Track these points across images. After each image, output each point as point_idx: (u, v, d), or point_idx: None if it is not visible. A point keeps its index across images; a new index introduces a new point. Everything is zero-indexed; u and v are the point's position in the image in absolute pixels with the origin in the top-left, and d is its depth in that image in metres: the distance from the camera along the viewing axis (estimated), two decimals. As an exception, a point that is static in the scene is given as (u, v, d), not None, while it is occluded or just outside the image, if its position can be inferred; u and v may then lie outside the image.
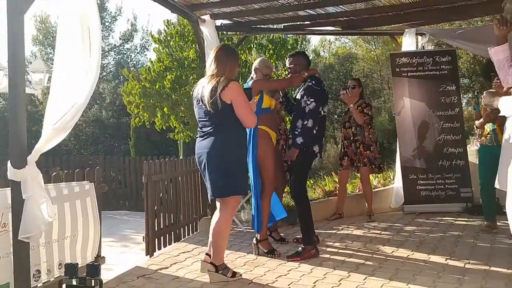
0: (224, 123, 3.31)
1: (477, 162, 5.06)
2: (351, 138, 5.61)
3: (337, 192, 5.97)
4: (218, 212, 3.44)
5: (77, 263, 2.81)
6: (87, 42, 2.65)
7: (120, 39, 25.22)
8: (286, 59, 4.49)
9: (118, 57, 25.03)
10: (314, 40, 29.56)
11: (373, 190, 6.44)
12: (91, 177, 3.99)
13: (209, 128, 3.34)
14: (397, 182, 6.36)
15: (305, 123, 4.00)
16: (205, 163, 3.32)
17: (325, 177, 7.72)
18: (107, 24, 25.43)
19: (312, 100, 4.00)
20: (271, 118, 4.19)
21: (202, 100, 3.31)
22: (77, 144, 16.99)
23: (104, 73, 24.87)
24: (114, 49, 25.34)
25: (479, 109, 4.88)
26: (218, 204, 3.47)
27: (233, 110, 3.29)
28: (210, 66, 3.41)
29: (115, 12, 25.56)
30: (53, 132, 2.57)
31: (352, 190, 6.49)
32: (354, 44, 23.21)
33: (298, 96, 4.18)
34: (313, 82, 4.08)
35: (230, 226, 3.45)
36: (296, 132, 4.05)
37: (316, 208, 5.81)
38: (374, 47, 19.90)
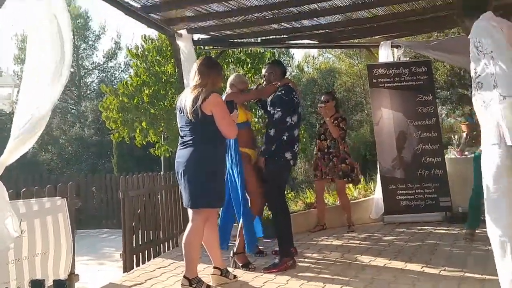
0: (204, 134, 3.34)
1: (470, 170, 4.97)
2: (325, 151, 5.65)
3: (316, 203, 5.97)
4: (190, 223, 3.43)
5: (44, 279, 2.74)
6: (55, 49, 2.63)
7: (103, 57, 25.24)
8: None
9: (102, 75, 25.03)
10: (298, 56, 29.94)
11: (354, 201, 6.48)
12: (64, 193, 3.93)
13: (189, 138, 3.37)
14: (377, 193, 6.38)
15: (269, 131, 4.04)
16: (181, 172, 3.34)
17: (307, 189, 7.71)
18: (90, 43, 25.52)
19: (278, 109, 4.02)
20: (248, 134, 4.22)
21: (184, 109, 3.33)
22: (59, 164, 16.83)
23: (88, 92, 24.82)
24: (98, 68, 25.34)
25: (474, 122, 4.93)
26: (190, 214, 3.45)
27: (214, 122, 3.31)
28: (194, 77, 3.45)
29: (99, 31, 25.65)
30: (15, 144, 2.53)
31: (334, 202, 6.49)
32: (337, 59, 23.53)
33: (268, 105, 4.20)
34: (283, 91, 4.09)
35: (201, 237, 3.40)
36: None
37: (298, 220, 5.81)
38: (357, 62, 20.19)
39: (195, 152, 3.31)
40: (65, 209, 3.82)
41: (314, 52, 24.99)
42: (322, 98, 5.85)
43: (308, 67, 27.60)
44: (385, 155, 6.33)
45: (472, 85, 2.78)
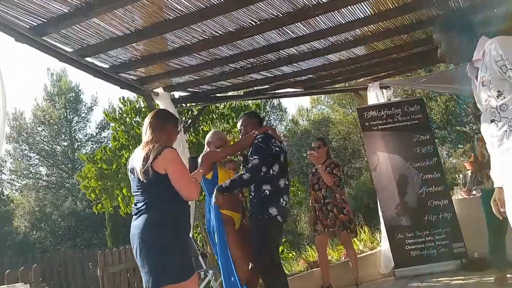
0: (158, 197, 2.82)
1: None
2: (322, 202, 5.15)
3: (319, 261, 5.40)
4: None
5: None
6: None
7: (96, 128, 25.30)
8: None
9: (96, 146, 24.91)
10: (292, 110, 30.12)
11: (360, 255, 5.90)
12: (26, 277, 3.46)
13: (142, 204, 2.84)
14: (384, 244, 5.83)
15: (242, 174, 3.58)
16: (137, 246, 2.76)
17: (308, 246, 7.14)
18: (83, 115, 25.68)
19: (256, 157, 3.57)
20: (229, 196, 3.78)
21: (134, 170, 2.88)
22: (53, 241, 16.19)
23: (83, 164, 24.56)
24: (92, 139, 25.32)
25: None
26: None
27: (169, 181, 2.82)
28: (146, 132, 2.99)
29: (91, 103, 25.89)
30: None
31: (338, 258, 5.94)
32: (331, 110, 23.58)
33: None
34: (260, 139, 3.68)
35: None
36: (251, 196, 3.64)
37: (300, 283, 5.27)
38: (351, 111, 20.17)
39: (149, 220, 2.76)
40: (28, 296, 3.34)
41: (307, 104, 25.18)
42: (312, 145, 5.43)
43: (303, 119, 27.63)
44: (387, 202, 5.85)
45: (485, 113, 2.32)
